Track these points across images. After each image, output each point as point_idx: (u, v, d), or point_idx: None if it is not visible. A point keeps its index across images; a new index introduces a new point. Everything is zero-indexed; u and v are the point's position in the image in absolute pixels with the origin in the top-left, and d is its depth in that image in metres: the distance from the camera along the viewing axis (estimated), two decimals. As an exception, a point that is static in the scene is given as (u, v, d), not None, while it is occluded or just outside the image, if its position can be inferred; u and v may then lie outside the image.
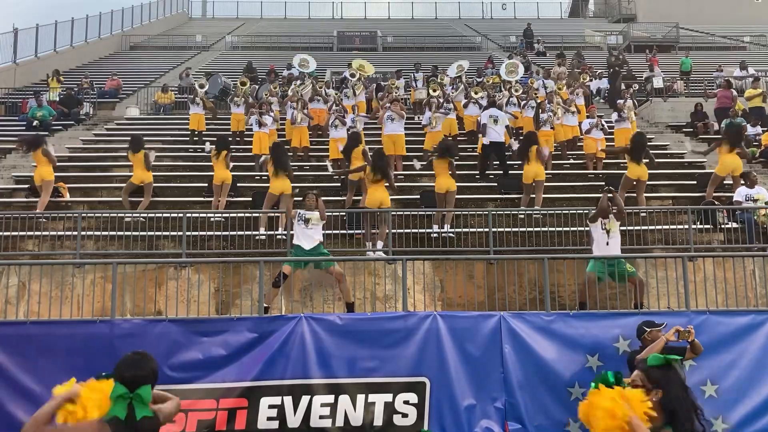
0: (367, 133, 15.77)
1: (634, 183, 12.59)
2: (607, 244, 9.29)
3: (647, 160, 12.77)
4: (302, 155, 15.94)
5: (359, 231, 11.37)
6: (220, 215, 12.08)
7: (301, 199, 9.83)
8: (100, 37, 34.61)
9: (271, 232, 11.54)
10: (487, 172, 14.60)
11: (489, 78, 22.04)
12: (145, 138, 14.42)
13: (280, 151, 12.32)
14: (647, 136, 17.37)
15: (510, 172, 14.51)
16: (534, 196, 12.69)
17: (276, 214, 11.77)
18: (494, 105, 15.39)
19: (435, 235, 11.43)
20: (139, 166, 12.98)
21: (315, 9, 52.57)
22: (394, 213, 11.43)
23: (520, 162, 13.29)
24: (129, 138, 13.84)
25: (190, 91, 22.53)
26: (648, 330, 7.13)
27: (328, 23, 46.04)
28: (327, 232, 11.05)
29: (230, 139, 14.21)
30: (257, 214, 11.78)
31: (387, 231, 10.89)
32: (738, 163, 13.11)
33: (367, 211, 11.28)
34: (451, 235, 11.46)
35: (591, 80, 22.30)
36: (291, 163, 15.37)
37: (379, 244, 10.96)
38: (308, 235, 9.35)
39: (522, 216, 11.75)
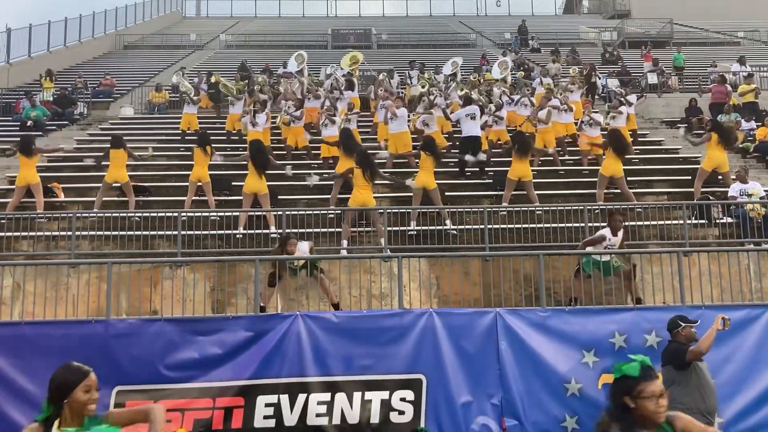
0: (363, 131, 15.78)
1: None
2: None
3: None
4: (306, 154, 15.99)
5: (354, 229, 11.37)
6: (214, 213, 12.07)
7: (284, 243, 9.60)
8: (94, 36, 34.49)
9: (266, 231, 11.53)
10: (466, 169, 14.54)
11: (487, 75, 22.02)
12: (139, 137, 14.42)
13: (258, 149, 12.33)
14: (642, 132, 17.57)
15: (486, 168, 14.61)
16: (524, 192, 12.73)
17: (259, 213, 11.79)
18: (471, 102, 15.46)
19: (412, 232, 11.46)
20: (117, 165, 12.92)
21: (309, 7, 52.59)
22: (390, 210, 11.44)
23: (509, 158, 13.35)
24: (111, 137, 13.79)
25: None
26: (682, 325, 6.91)
27: (322, 21, 45.98)
28: (322, 230, 11.09)
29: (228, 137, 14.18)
30: (252, 213, 11.78)
31: (383, 228, 10.92)
32: (724, 158, 13.10)
33: (365, 209, 11.34)
34: (453, 231, 11.49)
35: (598, 78, 22.25)
36: (285, 162, 15.46)
37: (382, 241, 10.98)
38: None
39: (516, 212, 11.75)
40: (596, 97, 21.15)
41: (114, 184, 13.08)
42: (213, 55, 34.47)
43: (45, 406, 3.57)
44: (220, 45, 37.99)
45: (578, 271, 9.39)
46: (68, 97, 21.32)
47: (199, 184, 13.02)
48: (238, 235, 11.36)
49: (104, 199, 13.09)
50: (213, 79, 19.09)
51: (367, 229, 11.48)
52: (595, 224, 10.85)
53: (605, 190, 12.82)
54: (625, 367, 3.45)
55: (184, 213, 11.28)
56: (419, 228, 11.40)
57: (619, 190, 12.91)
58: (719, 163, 12.99)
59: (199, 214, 11.92)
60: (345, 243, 11.05)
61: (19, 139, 13.60)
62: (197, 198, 13.49)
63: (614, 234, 9.49)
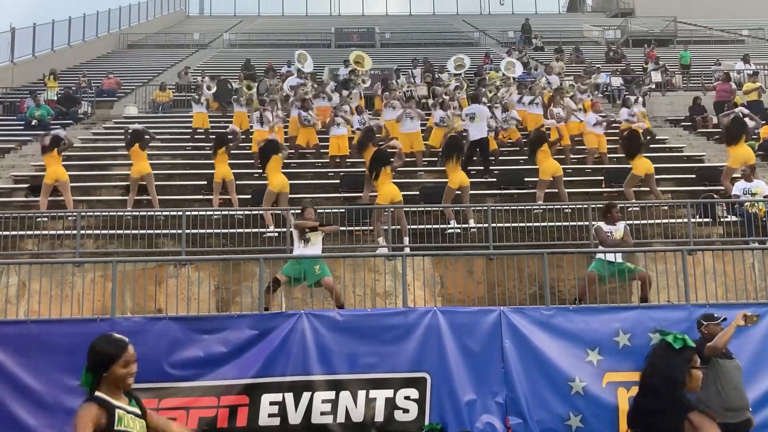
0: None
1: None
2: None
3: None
4: (313, 153, 16.02)
5: (358, 228, 11.37)
6: (218, 212, 12.08)
7: (299, 212, 9.75)
8: (98, 35, 34.52)
9: (272, 229, 11.54)
10: (469, 168, 14.50)
11: (493, 75, 21.99)
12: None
13: (274, 148, 12.33)
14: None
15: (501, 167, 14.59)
16: (554, 190, 12.68)
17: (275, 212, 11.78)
18: (477, 101, 15.45)
19: (451, 231, 11.45)
20: (140, 159, 12.95)
21: (312, 6, 52.68)
22: (394, 209, 11.43)
23: (527, 158, 13.33)
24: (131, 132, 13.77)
25: (188, 89, 22.52)
26: (705, 324, 7.07)
27: (325, 20, 46.00)
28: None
29: (230, 136, 14.13)
30: (256, 212, 11.79)
31: (395, 226, 10.94)
32: (750, 153, 13.11)
33: (368, 207, 11.34)
34: (458, 230, 11.49)
35: (601, 76, 22.29)
36: (290, 161, 15.49)
37: (405, 240, 10.97)
38: (307, 249, 9.33)
39: (520, 210, 11.74)
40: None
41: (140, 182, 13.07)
42: (216, 54, 34.48)
43: (84, 375, 3.52)
44: (224, 44, 38.03)
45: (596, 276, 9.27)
46: (72, 96, 21.37)
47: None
48: (273, 234, 11.41)
49: (110, 198, 13.13)
50: (237, 84, 19.05)
51: (371, 227, 11.47)
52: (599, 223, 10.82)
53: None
54: (684, 337, 3.51)
55: (188, 211, 11.29)
56: (423, 227, 11.40)
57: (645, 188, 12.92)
58: (746, 159, 12.95)
59: (203, 212, 11.94)
60: (381, 240, 11.03)
61: (46, 134, 13.51)
62: (201, 197, 13.53)
63: (612, 223, 9.41)
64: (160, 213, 11.85)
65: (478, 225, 11.48)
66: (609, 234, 9.27)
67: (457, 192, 12.14)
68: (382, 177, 11.22)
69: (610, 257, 9.09)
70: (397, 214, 11.11)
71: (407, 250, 10.54)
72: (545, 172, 12.68)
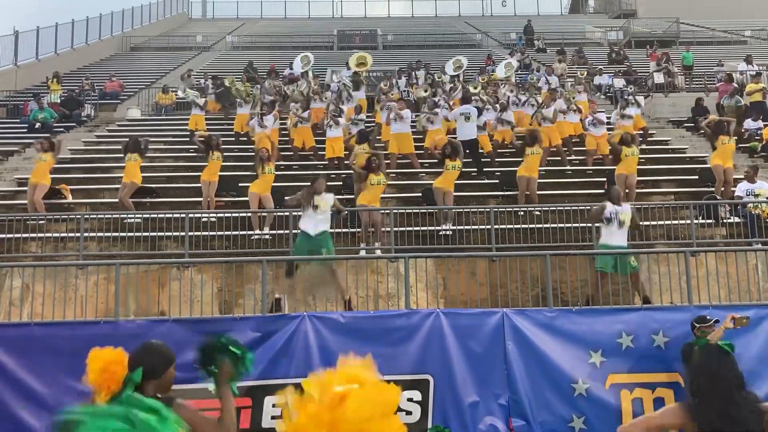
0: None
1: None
2: (620, 227, 9.31)
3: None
4: (312, 155, 16.01)
5: (359, 229, 11.39)
6: (220, 214, 12.09)
7: (309, 184, 9.78)
8: (101, 38, 34.57)
9: (273, 232, 11.54)
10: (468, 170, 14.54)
11: (493, 75, 22.01)
12: (146, 139, 14.45)
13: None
14: (649, 131, 17.52)
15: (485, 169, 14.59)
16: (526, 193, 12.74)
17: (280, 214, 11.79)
18: (469, 101, 15.44)
19: (443, 233, 11.45)
20: (137, 166, 13.00)
21: (315, 8, 52.58)
22: (396, 211, 11.46)
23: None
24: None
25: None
26: (698, 326, 7.34)
27: (328, 22, 46.01)
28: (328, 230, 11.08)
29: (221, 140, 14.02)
30: (259, 214, 11.80)
31: (383, 229, 10.98)
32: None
33: (371, 210, 11.35)
34: (448, 232, 11.48)
35: (599, 74, 22.35)
36: (292, 163, 15.52)
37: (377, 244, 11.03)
38: (317, 221, 9.34)
39: (522, 213, 11.74)
40: None
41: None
42: (219, 56, 34.54)
43: (134, 380, 3.52)
44: (226, 46, 38.07)
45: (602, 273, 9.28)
46: (75, 99, 21.41)
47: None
48: (262, 237, 11.41)
49: (114, 200, 13.16)
50: (227, 83, 19.17)
51: (372, 229, 11.47)
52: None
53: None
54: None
55: (191, 214, 11.31)
56: (425, 228, 11.40)
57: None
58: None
59: (206, 216, 11.95)
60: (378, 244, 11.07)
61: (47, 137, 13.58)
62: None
63: (617, 204, 9.34)
64: (163, 215, 11.84)
65: (481, 227, 11.48)
66: (611, 215, 9.22)
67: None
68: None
69: (612, 244, 9.15)
70: (375, 217, 11.19)
71: (378, 252, 10.64)
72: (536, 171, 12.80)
